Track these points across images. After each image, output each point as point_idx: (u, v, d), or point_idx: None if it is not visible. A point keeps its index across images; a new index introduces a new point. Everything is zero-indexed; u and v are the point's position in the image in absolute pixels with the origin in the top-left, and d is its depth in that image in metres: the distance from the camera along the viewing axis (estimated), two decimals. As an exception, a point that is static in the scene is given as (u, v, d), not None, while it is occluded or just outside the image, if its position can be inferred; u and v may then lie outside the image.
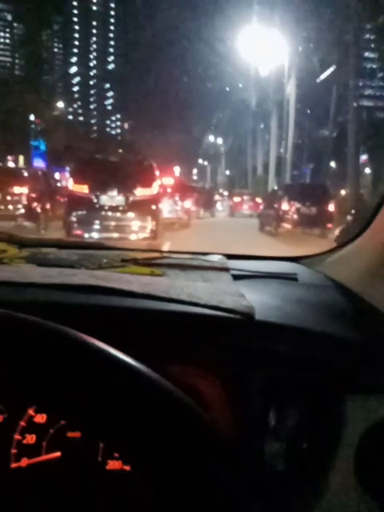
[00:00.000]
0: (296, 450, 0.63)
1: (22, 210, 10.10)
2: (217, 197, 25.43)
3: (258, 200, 20.40)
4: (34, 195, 10.44)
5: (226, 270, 0.98)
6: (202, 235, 10.63)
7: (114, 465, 0.61)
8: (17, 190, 10.22)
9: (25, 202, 10.25)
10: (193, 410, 0.40)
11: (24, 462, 0.61)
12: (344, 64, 20.85)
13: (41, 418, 0.62)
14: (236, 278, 0.92)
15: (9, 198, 10.11)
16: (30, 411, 0.61)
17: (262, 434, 0.62)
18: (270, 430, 0.63)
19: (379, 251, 0.83)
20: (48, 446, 0.61)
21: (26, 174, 11.87)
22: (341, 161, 24.99)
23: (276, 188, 15.98)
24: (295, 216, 10.74)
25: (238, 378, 0.62)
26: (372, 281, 0.82)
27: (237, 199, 23.38)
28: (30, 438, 0.61)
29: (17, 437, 0.61)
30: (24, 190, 10.34)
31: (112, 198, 8.22)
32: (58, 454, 0.61)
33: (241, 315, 0.64)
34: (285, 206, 11.09)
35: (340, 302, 0.82)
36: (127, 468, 0.60)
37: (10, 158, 30.94)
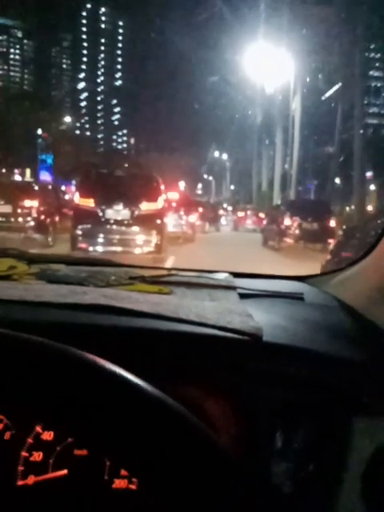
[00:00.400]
0: (303, 472, 0.63)
1: (32, 223, 10.45)
2: (221, 212, 25.58)
3: (261, 215, 20.79)
4: (43, 208, 10.79)
5: (233, 288, 0.98)
6: (207, 249, 10.88)
7: (120, 483, 0.60)
8: (27, 203, 10.64)
9: (35, 214, 10.63)
10: (201, 431, 0.40)
11: (31, 479, 0.61)
12: (349, 82, 21.09)
13: (48, 436, 0.62)
14: (243, 296, 0.93)
15: (20, 210, 10.53)
16: (38, 428, 0.61)
17: (269, 454, 0.62)
18: (276, 451, 0.63)
19: None
20: (55, 463, 0.61)
21: (36, 188, 12.34)
22: (345, 177, 25.11)
23: (279, 203, 16.36)
24: (297, 231, 10.97)
25: (245, 398, 0.62)
26: (378, 302, 0.82)
27: (240, 214, 23.94)
28: (37, 455, 0.61)
29: (24, 454, 0.61)
30: (34, 203, 10.75)
31: (117, 211, 8.27)
32: (64, 471, 0.61)
33: (249, 336, 0.64)
34: (287, 221, 11.37)
35: (346, 322, 0.82)
36: (133, 487, 0.60)
37: (16, 171, 31.26)
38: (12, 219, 10.47)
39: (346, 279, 1.02)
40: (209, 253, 9.56)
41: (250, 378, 0.63)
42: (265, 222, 15.49)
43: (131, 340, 0.63)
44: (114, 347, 0.60)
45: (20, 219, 10.51)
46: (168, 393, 0.41)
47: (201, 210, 19.06)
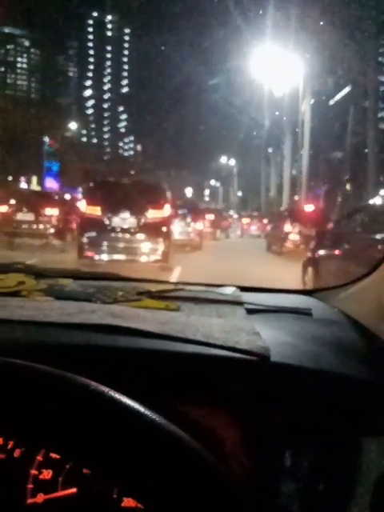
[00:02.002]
0: (311, 492, 0.62)
1: (52, 230, 11.46)
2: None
3: (265, 221, 21.57)
4: (62, 217, 11.60)
5: (240, 303, 0.98)
6: (215, 255, 11.74)
7: (129, 502, 0.60)
8: (48, 211, 11.64)
9: (55, 222, 11.57)
10: (202, 456, 0.40)
11: (40, 497, 0.60)
12: (360, 85, 20.94)
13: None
14: (250, 311, 0.92)
15: (41, 218, 11.54)
16: None
17: (278, 475, 0.62)
18: (285, 471, 0.63)
19: None
20: (64, 481, 0.61)
21: (56, 197, 13.39)
22: (355, 182, 24.86)
23: (281, 210, 17.20)
24: (297, 237, 11.45)
25: (253, 418, 0.62)
26: None
27: (245, 221, 24.91)
28: (47, 473, 0.61)
29: (33, 472, 0.61)
30: (54, 212, 11.68)
31: (124, 220, 8.21)
32: (73, 489, 0.61)
33: (256, 356, 0.64)
34: (287, 227, 12.04)
35: (354, 339, 0.81)
36: (142, 506, 0.58)
37: (23, 178, 31.40)
38: (34, 226, 11.44)
39: (354, 294, 1.01)
40: (217, 258, 10.38)
41: (259, 398, 0.62)
42: (268, 228, 16.10)
43: (138, 361, 0.63)
44: (122, 369, 0.60)
45: (41, 226, 11.48)
46: (175, 414, 0.43)
47: (212, 217, 19.37)
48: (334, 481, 0.62)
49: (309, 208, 13.46)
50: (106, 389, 0.42)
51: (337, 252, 5.78)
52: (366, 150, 21.74)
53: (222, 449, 0.60)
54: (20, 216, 11.60)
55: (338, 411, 0.63)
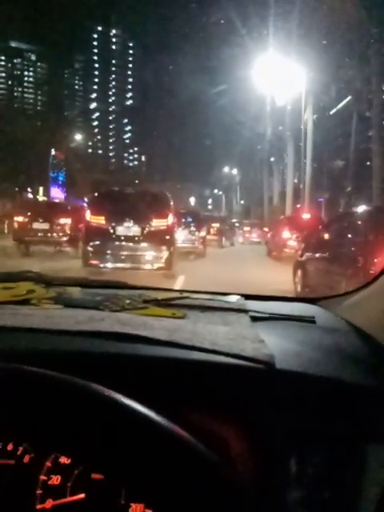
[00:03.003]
0: (317, 500, 0.63)
1: (65, 238, 12.22)
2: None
3: (266, 229, 22.78)
4: (74, 225, 12.18)
5: (245, 311, 0.99)
6: (218, 261, 12.64)
7: (137, 508, 0.60)
8: (62, 221, 12.50)
9: (68, 231, 12.35)
10: (209, 460, 0.41)
11: (49, 503, 0.60)
12: (362, 94, 21.12)
13: (66, 459, 0.62)
14: (254, 319, 0.94)
15: (56, 227, 12.46)
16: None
17: (284, 482, 0.63)
18: (290, 479, 0.63)
19: None
20: (72, 487, 0.61)
21: (69, 207, 14.14)
22: (357, 190, 25.04)
23: (281, 218, 18.11)
24: (295, 243, 12.03)
25: (259, 426, 0.63)
26: None
27: (246, 229, 26.37)
28: (56, 479, 0.61)
29: (42, 477, 0.61)
30: (68, 221, 12.46)
31: (128, 228, 8.36)
32: (82, 495, 0.61)
33: (262, 364, 0.65)
34: (286, 234, 12.98)
35: (358, 347, 0.82)
36: (150, 511, 0.60)
37: (29, 189, 31.81)
38: (49, 234, 12.36)
39: (358, 302, 1.02)
40: (220, 264, 11.36)
41: (264, 405, 0.63)
42: (269, 235, 17.12)
43: (146, 368, 0.65)
44: (130, 375, 0.62)
45: (55, 234, 12.38)
46: (183, 421, 0.44)
47: (218, 225, 19.90)
48: (339, 488, 0.62)
49: (306, 216, 14.65)
50: (116, 394, 0.44)
51: (319, 255, 6.44)
52: (368, 163, 21.98)
53: (228, 455, 0.61)
54: (36, 225, 12.49)
55: (342, 418, 0.63)
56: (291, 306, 1.12)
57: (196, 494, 0.39)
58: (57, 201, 23.47)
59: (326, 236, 6.73)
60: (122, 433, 0.41)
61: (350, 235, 6.02)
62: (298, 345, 0.78)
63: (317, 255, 6.51)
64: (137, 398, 0.45)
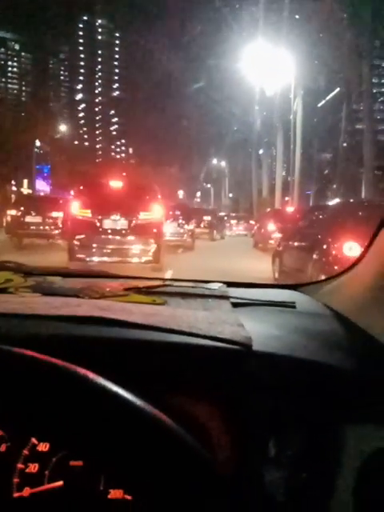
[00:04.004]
0: (295, 480, 0.63)
1: (57, 231, 12.49)
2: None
3: (252, 222, 23.82)
4: (66, 218, 12.66)
5: (227, 298, 0.99)
6: (206, 253, 13.30)
7: (115, 494, 0.60)
8: (54, 214, 12.85)
9: (60, 224, 12.57)
10: (189, 444, 0.41)
11: (26, 491, 0.60)
12: (352, 85, 21.10)
13: (44, 447, 0.61)
14: (236, 305, 0.94)
15: (48, 220, 12.87)
16: (34, 440, 0.61)
17: (262, 463, 0.63)
18: (269, 460, 0.63)
19: (375, 280, 0.84)
20: (50, 474, 0.61)
21: (61, 201, 14.36)
22: (344, 183, 25.13)
23: (267, 211, 18.78)
24: (279, 235, 12.68)
25: (237, 407, 0.63)
26: (368, 309, 0.83)
27: (233, 221, 27.22)
28: (33, 467, 0.61)
29: (20, 466, 0.61)
30: (60, 214, 12.69)
31: (115, 221, 8.24)
32: (60, 483, 0.61)
33: (239, 345, 0.65)
34: (271, 226, 13.53)
35: (337, 330, 0.83)
36: (129, 497, 0.60)
37: (13, 182, 31.31)
38: (41, 227, 12.79)
39: (337, 287, 1.03)
40: (208, 255, 12.18)
41: (242, 386, 0.63)
42: (255, 227, 17.65)
43: (123, 351, 0.64)
44: (106, 358, 0.61)
45: (47, 227, 12.78)
46: (160, 403, 0.43)
47: (209, 218, 20.23)
48: (318, 468, 0.63)
49: (290, 209, 15.12)
50: (97, 377, 0.43)
51: (292, 244, 7.24)
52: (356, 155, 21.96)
53: (207, 437, 0.61)
54: (29, 218, 12.91)
55: (320, 401, 0.64)
56: (272, 292, 1.13)
57: (175, 478, 0.39)
58: (46, 195, 23.49)
59: (298, 227, 7.60)
60: (102, 416, 0.41)
61: (318, 226, 6.73)
62: (278, 329, 0.78)
63: (290, 244, 7.28)
64: (114, 381, 0.44)
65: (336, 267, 5.35)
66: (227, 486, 0.41)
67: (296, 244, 7.05)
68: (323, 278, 5.31)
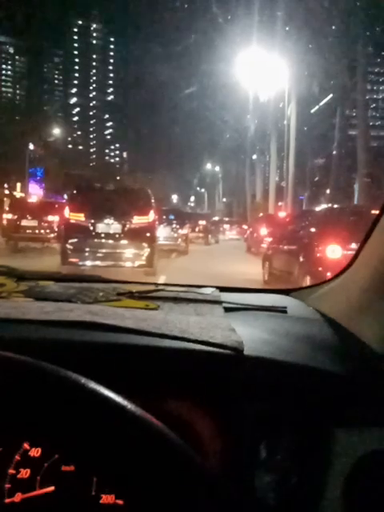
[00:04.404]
0: (286, 484, 0.63)
1: (52, 235, 12.70)
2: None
3: (245, 226, 24.24)
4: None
5: (219, 302, 1.00)
6: (201, 257, 13.69)
7: (107, 499, 0.60)
8: (50, 218, 13.12)
9: (55, 228, 12.74)
10: (181, 448, 0.41)
11: (18, 497, 0.60)
12: (346, 92, 21.23)
13: (35, 452, 0.61)
14: (228, 310, 0.94)
15: (44, 224, 13.16)
16: (25, 445, 0.61)
17: (253, 467, 0.63)
18: (260, 462, 0.64)
19: (366, 285, 0.85)
20: (42, 480, 0.61)
21: (56, 205, 14.62)
22: (338, 189, 25.28)
23: (260, 216, 19.17)
24: (271, 239, 12.97)
25: (228, 411, 0.63)
26: (359, 315, 0.84)
27: (226, 226, 27.78)
28: (25, 473, 0.61)
29: (11, 471, 0.61)
30: (55, 218, 12.82)
31: (108, 225, 8.22)
32: (51, 488, 0.61)
33: (230, 350, 0.65)
34: (263, 231, 13.86)
35: (328, 335, 0.84)
36: (120, 502, 0.60)
37: (6, 185, 31.10)
38: (37, 231, 13.07)
39: (328, 292, 1.04)
40: (202, 259, 12.58)
41: (233, 391, 0.63)
42: (248, 232, 17.97)
43: (115, 356, 0.64)
44: (98, 363, 0.61)
45: (43, 231, 13.05)
46: (152, 407, 0.43)
47: (204, 222, 20.45)
48: (308, 470, 0.64)
49: (282, 214, 15.40)
50: (88, 380, 0.43)
51: (280, 248, 7.65)
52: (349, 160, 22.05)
53: (198, 441, 0.61)
54: (25, 222, 13.22)
55: (311, 404, 0.65)
56: (264, 297, 1.14)
57: (166, 482, 0.39)
58: (42, 199, 23.51)
59: (286, 231, 8.01)
60: (93, 420, 0.41)
61: (304, 230, 7.08)
62: (269, 333, 0.79)
63: (279, 248, 7.71)
64: (106, 386, 0.44)
65: (320, 269, 5.71)
66: (218, 489, 0.41)
67: (284, 248, 7.41)
68: (309, 279, 5.14)
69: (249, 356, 0.65)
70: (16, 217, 13.31)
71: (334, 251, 5.59)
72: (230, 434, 0.63)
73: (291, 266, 6.68)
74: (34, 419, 0.41)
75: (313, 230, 6.69)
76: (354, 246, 5.45)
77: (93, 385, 0.42)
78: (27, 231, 13.05)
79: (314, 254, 5.98)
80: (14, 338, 0.65)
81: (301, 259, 6.36)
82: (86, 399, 0.41)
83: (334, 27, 19.00)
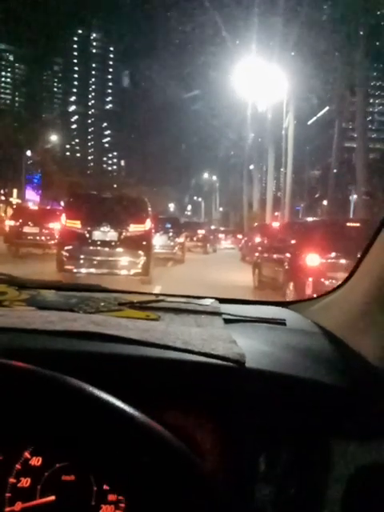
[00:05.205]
0: (284, 495, 0.64)
1: (53, 241, 12.81)
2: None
3: (239, 236, 24.66)
4: None
5: (219, 314, 1.01)
6: (196, 265, 14.11)
7: (107, 509, 0.60)
8: (51, 225, 13.34)
9: (56, 235, 12.84)
10: (186, 455, 0.42)
11: (18, 506, 0.60)
12: (344, 104, 21.35)
13: (36, 461, 0.61)
14: (227, 321, 0.95)
15: (45, 231, 13.56)
16: (26, 454, 0.61)
17: (253, 478, 0.63)
18: (259, 475, 0.64)
19: (363, 299, 0.85)
20: (42, 489, 0.61)
21: (57, 213, 14.91)
22: (334, 200, 25.41)
23: (255, 226, 19.41)
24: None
25: (229, 423, 0.63)
26: (357, 328, 0.84)
27: (221, 235, 28.52)
28: (25, 482, 0.61)
29: (11, 480, 0.61)
30: (56, 225, 12.92)
31: (105, 233, 8.21)
32: (52, 497, 0.61)
33: (233, 362, 0.66)
34: (257, 240, 14.54)
35: (326, 348, 0.85)
36: (123, 507, 0.60)
37: (2, 191, 31.03)
38: (37, 238, 13.52)
39: (326, 306, 1.05)
40: (203, 265, 13.23)
41: (234, 402, 0.64)
42: (243, 241, 18.51)
43: (119, 366, 0.65)
44: (102, 373, 0.61)
45: (43, 238, 13.44)
46: (154, 417, 0.43)
47: (203, 231, 20.56)
48: (307, 482, 0.64)
49: (275, 224, 15.75)
50: (90, 387, 0.43)
51: (267, 256, 8.43)
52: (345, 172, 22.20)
53: (199, 451, 0.61)
54: (26, 229, 13.70)
55: (309, 416, 0.65)
56: (263, 309, 1.15)
57: (169, 485, 0.39)
58: (44, 207, 23.59)
59: (275, 241, 8.83)
60: (97, 425, 0.41)
61: (289, 240, 7.65)
62: (269, 346, 0.80)
63: (267, 256, 8.44)
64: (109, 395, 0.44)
65: (300, 276, 6.32)
66: (220, 497, 0.41)
67: (272, 256, 8.08)
68: (292, 285, 5.77)
69: (250, 368, 0.66)
70: (18, 224, 13.80)
71: (312, 259, 6.25)
72: (231, 445, 0.63)
73: (277, 272, 7.39)
74: (40, 426, 0.41)
75: (296, 239, 7.35)
76: (332, 255, 6.33)
77: (96, 391, 0.43)
78: (29, 238, 13.49)
79: (296, 262, 6.60)
80: (20, 347, 0.65)
81: (286, 267, 7.00)
82: (90, 405, 0.41)
83: (332, 39, 19.16)
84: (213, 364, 0.66)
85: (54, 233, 13.07)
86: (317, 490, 0.63)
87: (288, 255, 7.06)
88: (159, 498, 0.39)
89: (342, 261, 6.09)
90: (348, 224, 7.57)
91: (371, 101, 42.45)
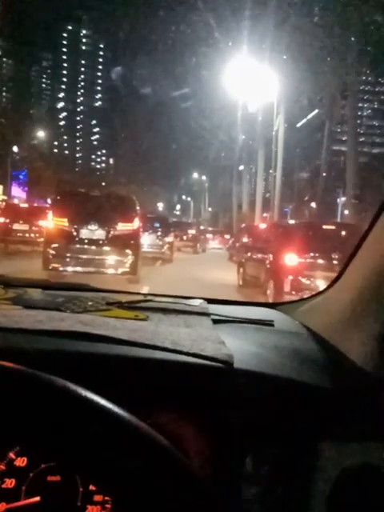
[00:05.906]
0: (272, 495, 0.64)
1: (42, 239, 13.22)
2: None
3: (227, 236, 24.84)
4: None
5: (207, 314, 1.01)
6: (185, 265, 14.12)
7: (93, 510, 0.60)
8: (41, 223, 13.05)
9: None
10: (173, 455, 0.41)
11: (2, 506, 0.60)
12: (334, 106, 21.49)
13: (21, 462, 0.60)
14: (216, 322, 0.95)
15: (34, 228, 13.55)
16: (11, 454, 0.60)
17: (240, 477, 0.64)
18: (247, 475, 0.64)
19: (350, 301, 0.86)
20: (27, 490, 0.60)
21: (47, 211, 14.82)
22: (322, 202, 25.60)
23: (242, 226, 19.70)
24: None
25: (217, 423, 0.64)
26: (344, 330, 0.85)
27: (209, 236, 28.59)
28: (10, 482, 0.60)
29: None
30: (46, 223, 12.87)
31: (92, 231, 8.13)
32: (37, 498, 0.60)
33: (221, 363, 0.66)
34: (244, 241, 15.01)
35: (313, 350, 0.85)
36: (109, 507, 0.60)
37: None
38: (27, 235, 13.57)
39: (314, 307, 1.06)
40: (186, 267, 13.13)
41: (222, 403, 0.64)
42: (230, 242, 18.73)
43: (108, 366, 0.64)
44: (91, 373, 0.61)
45: (32, 235, 13.43)
46: (142, 417, 0.43)
47: (194, 231, 20.62)
48: (293, 483, 0.64)
49: (262, 226, 16.10)
50: (76, 387, 0.43)
51: (253, 256, 8.77)
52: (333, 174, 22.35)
53: (187, 451, 0.61)
54: (16, 226, 13.78)
55: (297, 417, 0.66)
56: (251, 310, 1.15)
57: (157, 489, 0.39)
58: (33, 204, 23.39)
59: (258, 241, 9.27)
60: (85, 427, 0.41)
61: (271, 240, 8.14)
62: (257, 347, 0.80)
63: (251, 256, 8.89)
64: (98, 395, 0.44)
65: (280, 274, 6.71)
66: (208, 496, 0.41)
67: (255, 256, 8.55)
68: (272, 283, 6.13)
69: (238, 369, 0.67)
70: (8, 220, 13.85)
71: (290, 259, 6.63)
72: (218, 445, 0.63)
73: (259, 271, 7.87)
74: (25, 426, 0.40)
75: (276, 240, 7.83)
76: (310, 255, 6.75)
77: (83, 391, 0.43)
78: (18, 235, 13.62)
79: (276, 261, 7.03)
80: (7, 347, 0.64)
81: (267, 266, 7.45)
82: (76, 406, 0.41)
83: (323, 43, 19.26)
84: (201, 364, 0.66)
85: (42, 230, 13.13)
86: (304, 491, 0.63)
87: (270, 255, 7.49)
88: (146, 499, 0.39)
89: (320, 261, 6.54)
90: (324, 226, 8.18)
91: (360, 105, 42.88)
